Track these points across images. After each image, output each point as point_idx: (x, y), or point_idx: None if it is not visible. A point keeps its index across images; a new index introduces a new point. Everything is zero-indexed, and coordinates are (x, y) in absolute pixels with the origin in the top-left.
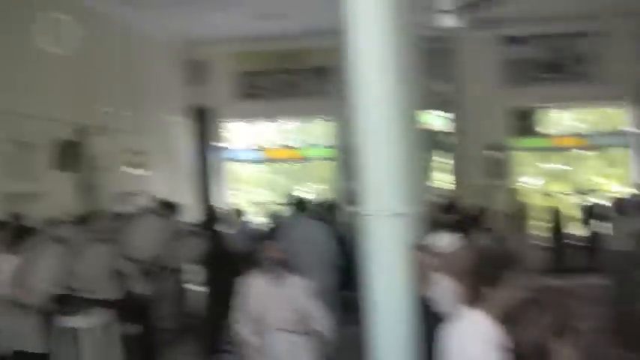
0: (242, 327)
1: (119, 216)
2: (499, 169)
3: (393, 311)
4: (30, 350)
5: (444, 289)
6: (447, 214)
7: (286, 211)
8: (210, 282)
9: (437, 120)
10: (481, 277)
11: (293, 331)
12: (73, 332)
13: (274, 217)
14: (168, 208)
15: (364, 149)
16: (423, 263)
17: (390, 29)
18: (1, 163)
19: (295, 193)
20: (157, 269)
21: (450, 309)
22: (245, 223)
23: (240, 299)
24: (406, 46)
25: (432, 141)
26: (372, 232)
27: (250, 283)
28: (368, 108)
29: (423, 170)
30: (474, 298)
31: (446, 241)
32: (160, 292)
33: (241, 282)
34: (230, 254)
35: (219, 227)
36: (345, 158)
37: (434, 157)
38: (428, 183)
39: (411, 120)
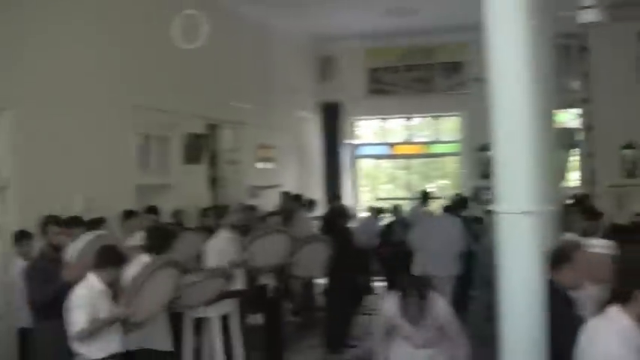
0: (377, 342)
1: (250, 209)
2: (635, 168)
3: (524, 309)
4: (158, 348)
5: (590, 290)
6: (579, 213)
7: (415, 207)
8: (336, 277)
9: (570, 118)
10: (631, 279)
11: (431, 347)
12: (200, 322)
13: (402, 212)
14: (297, 201)
15: (499, 146)
16: (577, 263)
17: (528, 26)
18: (135, 155)
19: (424, 189)
20: (285, 264)
21: (592, 309)
22: (372, 218)
23: (380, 315)
24: (544, 43)
25: (567, 139)
26: (506, 229)
27: (388, 299)
28: (504, 105)
29: (558, 169)
30: (621, 300)
31: (595, 242)
32: (287, 285)
33: (380, 299)
34: (356, 250)
35: (346, 223)
36: (475, 155)
37: (569, 156)
38: (562, 182)
39: (547, 118)
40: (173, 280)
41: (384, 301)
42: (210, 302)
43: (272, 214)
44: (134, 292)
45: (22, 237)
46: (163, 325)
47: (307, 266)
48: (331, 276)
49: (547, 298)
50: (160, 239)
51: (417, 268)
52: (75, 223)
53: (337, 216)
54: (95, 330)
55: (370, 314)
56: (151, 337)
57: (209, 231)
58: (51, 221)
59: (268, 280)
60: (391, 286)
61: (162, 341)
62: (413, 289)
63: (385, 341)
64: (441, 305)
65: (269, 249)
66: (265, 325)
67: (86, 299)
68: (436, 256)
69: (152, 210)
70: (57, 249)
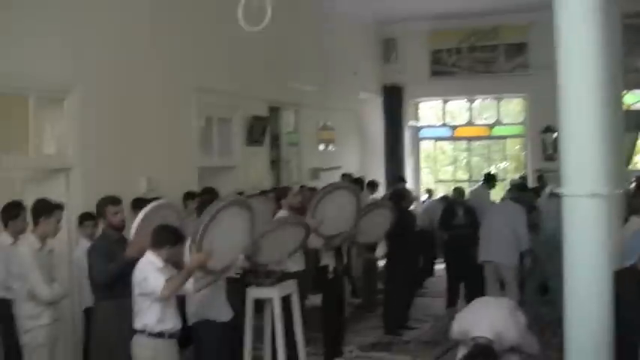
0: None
1: (311, 190)
2: None
3: (591, 292)
4: (219, 319)
5: None
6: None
7: (478, 190)
8: (395, 259)
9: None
10: None
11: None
12: (259, 303)
13: (464, 195)
14: (358, 184)
15: (566, 127)
16: None
17: (596, 6)
18: (197, 137)
19: (488, 171)
20: (346, 244)
21: None
22: (436, 201)
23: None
24: (612, 22)
25: (635, 121)
26: (572, 213)
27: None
28: (572, 86)
29: (625, 151)
30: None
31: None
32: (347, 266)
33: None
34: (415, 232)
35: (408, 205)
36: (539, 137)
37: (636, 139)
38: (629, 164)
39: (615, 99)
40: (245, 223)
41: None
42: (292, 253)
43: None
44: (201, 235)
45: (86, 218)
46: (220, 295)
47: (371, 232)
48: (392, 258)
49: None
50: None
51: (481, 255)
52: (138, 204)
53: (399, 198)
54: (177, 285)
55: (430, 297)
56: (209, 307)
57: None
58: (107, 202)
59: (328, 261)
60: (450, 271)
61: (221, 311)
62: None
63: None
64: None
65: (335, 215)
66: (325, 307)
67: (153, 268)
68: (498, 242)
69: (209, 191)
70: (118, 229)
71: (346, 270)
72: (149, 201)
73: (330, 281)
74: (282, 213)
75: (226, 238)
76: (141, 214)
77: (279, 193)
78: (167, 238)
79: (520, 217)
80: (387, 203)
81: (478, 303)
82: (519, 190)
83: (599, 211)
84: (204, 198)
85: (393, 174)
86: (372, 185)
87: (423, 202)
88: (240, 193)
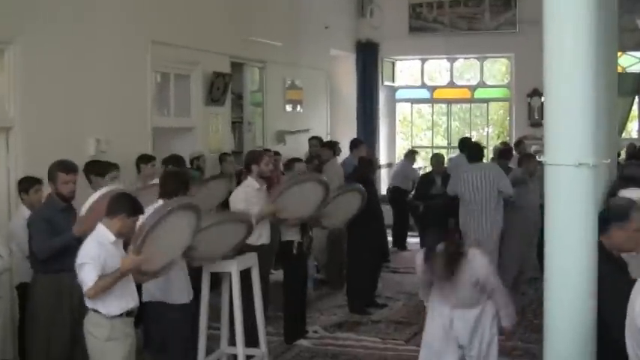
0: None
1: (276, 155)
2: None
3: (574, 272)
4: (174, 302)
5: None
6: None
7: (457, 157)
8: (358, 230)
9: (635, 61)
10: None
11: (470, 307)
12: (218, 277)
13: (442, 162)
14: (329, 147)
15: (553, 91)
16: (633, 223)
17: None
18: (152, 95)
19: (467, 137)
20: (312, 219)
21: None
22: (408, 163)
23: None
24: None
25: (630, 85)
26: (556, 182)
27: (418, 257)
28: (559, 46)
29: (618, 118)
30: None
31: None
32: (311, 241)
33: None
34: (378, 202)
35: (372, 173)
36: (526, 101)
37: (631, 104)
38: (622, 132)
39: (609, 61)
40: (190, 225)
41: (415, 259)
42: (230, 254)
43: (296, 160)
44: (144, 237)
45: (27, 184)
46: (180, 277)
47: (337, 217)
48: (354, 228)
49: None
50: (177, 184)
51: (460, 227)
52: (91, 168)
53: (364, 166)
54: (106, 285)
55: (403, 272)
56: (164, 289)
57: (231, 179)
58: (60, 168)
59: (293, 236)
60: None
61: (177, 294)
62: (440, 245)
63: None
64: (480, 262)
65: (300, 199)
66: (287, 283)
67: (96, 253)
68: (477, 212)
69: (173, 160)
70: (66, 199)
71: (310, 245)
72: (103, 164)
73: (294, 257)
74: (250, 182)
75: (168, 240)
76: (97, 194)
77: (250, 158)
78: (124, 206)
79: (501, 182)
80: (358, 187)
81: None
82: (501, 158)
83: (585, 182)
84: (168, 170)
85: (366, 138)
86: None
87: (399, 163)
88: (200, 157)
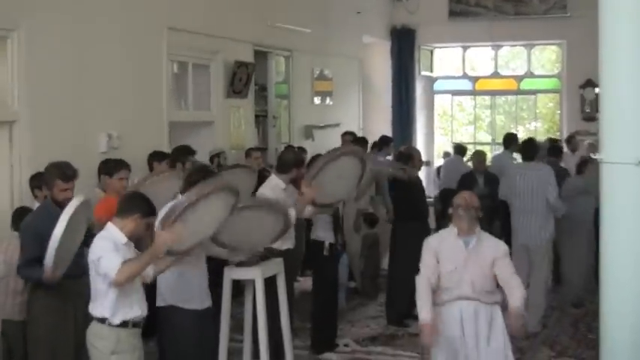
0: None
1: (301, 151)
2: None
3: (631, 273)
4: (190, 307)
5: None
6: None
7: (501, 154)
8: (401, 234)
9: None
10: None
11: (478, 300)
12: (239, 285)
13: (485, 159)
14: (362, 144)
15: (608, 83)
16: None
17: None
18: (169, 87)
19: (512, 133)
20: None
21: None
22: (458, 159)
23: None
24: None
25: None
26: (613, 182)
27: (443, 238)
28: (616, 32)
29: None
30: None
31: None
32: (344, 242)
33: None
34: (425, 203)
35: (414, 169)
36: (578, 92)
37: None
38: None
39: None
40: (227, 207)
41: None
42: (254, 259)
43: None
44: (179, 214)
45: (37, 182)
46: (198, 281)
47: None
48: (398, 233)
49: None
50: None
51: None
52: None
53: (406, 160)
54: (136, 269)
55: None
56: (180, 292)
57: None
58: (57, 175)
59: (324, 235)
60: None
61: (195, 298)
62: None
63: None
64: (490, 242)
65: (337, 178)
66: (316, 290)
67: (111, 247)
68: (525, 216)
69: (181, 151)
70: (62, 206)
71: (344, 247)
72: (111, 163)
73: (325, 260)
74: (275, 180)
75: (200, 220)
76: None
77: (289, 160)
78: (139, 206)
79: (549, 184)
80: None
81: None
82: (551, 155)
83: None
84: (174, 158)
85: (402, 133)
86: (382, 145)
87: (438, 169)
88: (220, 154)
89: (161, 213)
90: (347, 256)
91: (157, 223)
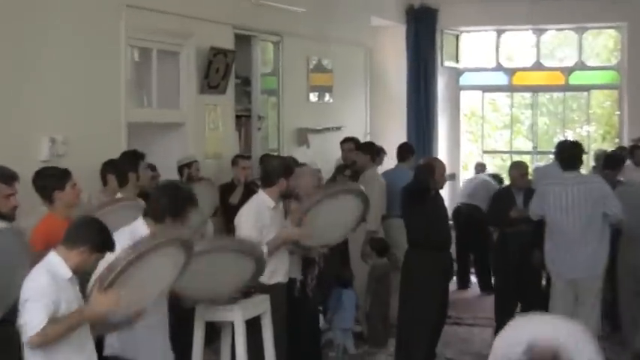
0: None
1: (296, 165)
2: None
3: None
4: None
5: None
6: None
7: (548, 168)
8: (417, 267)
9: None
10: None
11: None
12: (217, 328)
13: (527, 173)
14: (368, 151)
15: None
16: None
17: None
18: (128, 80)
19: (563, 140)
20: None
21: None
22: (481, 180)
23: None
24: None
25: None
26: None
27: None
28: None
29: None
30: None
31: None
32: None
33: None
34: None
35: (435, 185)
36: None
37: None
38: None
39: None
40: (176, 266)
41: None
42: (232, 297)
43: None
44: (115, 276)
45: None
46: (155, 337)
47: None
48: (412, 265)
49: None
50: (174, 204)
51: (548, 264)
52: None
53: (424, 174)
54: (59, 332)
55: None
56: (132, 347)
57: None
58: None
59: (294, 272)
60: (502, 286)
61: (149, 352)
62: None
63: None
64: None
65: (331, 219)
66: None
67: (48, 288)
68: (571, 242)
69: (132, 157)
70: (7, 218)
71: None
72: (59, 170)
73: (295, 300)
74: (262, 197)
75: (146, 281)
76: None
77: (276, 169)
78: (90, 236)
79: (606, 190)
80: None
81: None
82: (608, 167)
83: None
84: (121, 170)
85: (420, 140)
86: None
87: (478, 182)
88: (189, 165)
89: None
90: (354, 293)
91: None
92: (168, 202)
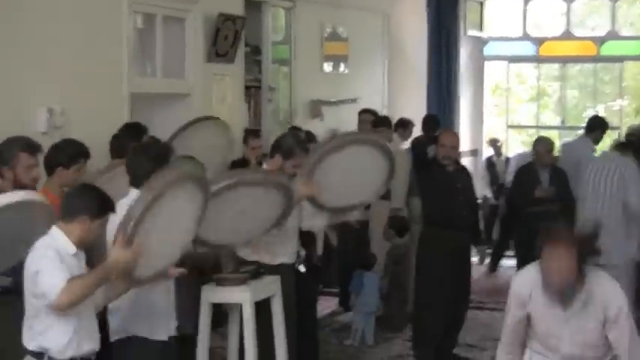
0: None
1: (309, 139)
2: None
3: None
4: (153, 337)
5: None
6: None
7: (576, 144)
8: (433, 248)
9: None
10: None
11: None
12: (222, 311)
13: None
14: (383, 125)
15: None
16: None
17: None
18: (130, 48)
19: (594, 115)
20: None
21: None
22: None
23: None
24: None
25: None
26: None
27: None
28: None
29: None
30: None
31: None
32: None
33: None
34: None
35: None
36: None
37: None
38: None
39: None
40: (196, 204)
41: (515, 279)
42: (240, 277)
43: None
44: (135, 225)
45: None
46: (162, 303)
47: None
48: (428, 247)
49: None
50: (150, 164)
51: None
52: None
53: (418, 150)
54: (86, 288)
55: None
56: (139, 320)
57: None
58: (20, 146)
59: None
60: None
61: (159, 326)
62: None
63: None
64: (611, 290)
65: (349, 173)
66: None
67: (55, 257)
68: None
69: (134, 130)
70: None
71: (327, 260)
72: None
73: (297, 279)
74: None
75: (168, 229)
76: None
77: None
78: (86, 203)
79: (634, 174)
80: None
81: None
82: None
83: None
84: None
85: (441, 113)
86: (404, 126)
87: (490, 159)
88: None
89: (119, 212)
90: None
91: (110, 225)
92: (146, 163)
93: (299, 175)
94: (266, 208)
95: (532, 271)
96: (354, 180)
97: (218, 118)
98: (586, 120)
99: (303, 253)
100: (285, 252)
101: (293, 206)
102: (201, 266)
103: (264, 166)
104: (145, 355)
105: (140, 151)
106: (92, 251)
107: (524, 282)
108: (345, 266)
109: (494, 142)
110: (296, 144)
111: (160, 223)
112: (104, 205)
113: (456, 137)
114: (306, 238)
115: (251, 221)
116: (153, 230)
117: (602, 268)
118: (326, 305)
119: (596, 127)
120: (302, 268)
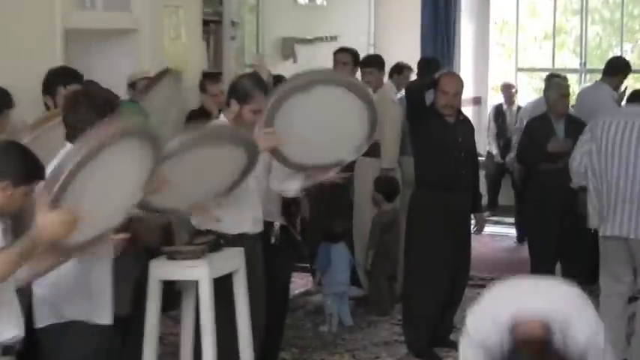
0: None
1: (278, 82)
2: None
3: None
4: (92, 321)
5: None
6: None
7: (595, 89)
8: (422, 220)
9: None
10: None
11: None
12: (173, 289)
13: (568, 95)
14: (370, 66)
15: None
16: None
17: None
18: None
19: (616, 57)
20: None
21: None
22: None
23: None
24: None
25: None
26: None
27: None
28: None
29: None
30: None
31: None
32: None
33: None
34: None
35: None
36: None
37: None
38: None
39: None
40: (143, 164)
41: None
42: (198, 249)
43: None
44: (63, 184)
45: None
46: (101, 278)
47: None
48: (417, 218)
49: None
50: (90, 113)
51: (592, 217)
52: None
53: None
54: (10, 262)
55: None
56: (71, 301)
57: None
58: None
59: (275, 211)
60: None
61: (97, 307)
62: None
63: None
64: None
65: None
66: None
67: None
68: (620, 193)
69: (64, 76)
70: None
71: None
72: None
73: (273, 250)
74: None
75: (105, 191)
76: None
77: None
78: (8, 167)
79: None
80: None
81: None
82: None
83: None
84: (73, 90)
85: (438, 54)
86: (398, 71)
87: (498, 108)
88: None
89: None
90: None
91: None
92: (88, 114)
93: (257, 122)
94: (225, 168)
95: None
96: (327, 132)
97: (170, 69)
98: None
99: (277, 224)
100: (247, 218)
101: (254, 163)
102: (148, 236)
103: (222, 116)
104: (83, 342)
105: (81, 99)
106: (21, 225)
107: None
108: (315, 237)
109: (507, 88)
110: (253, 85)
111: (96, 184)
112: (33, 170)
113: (459, 82)
114: (290, 206)
115: (207, 183)
116: (86, 191)
117: (630, 242)
118: (300, 284)
119: (619, 70)
120: (273, 240)
